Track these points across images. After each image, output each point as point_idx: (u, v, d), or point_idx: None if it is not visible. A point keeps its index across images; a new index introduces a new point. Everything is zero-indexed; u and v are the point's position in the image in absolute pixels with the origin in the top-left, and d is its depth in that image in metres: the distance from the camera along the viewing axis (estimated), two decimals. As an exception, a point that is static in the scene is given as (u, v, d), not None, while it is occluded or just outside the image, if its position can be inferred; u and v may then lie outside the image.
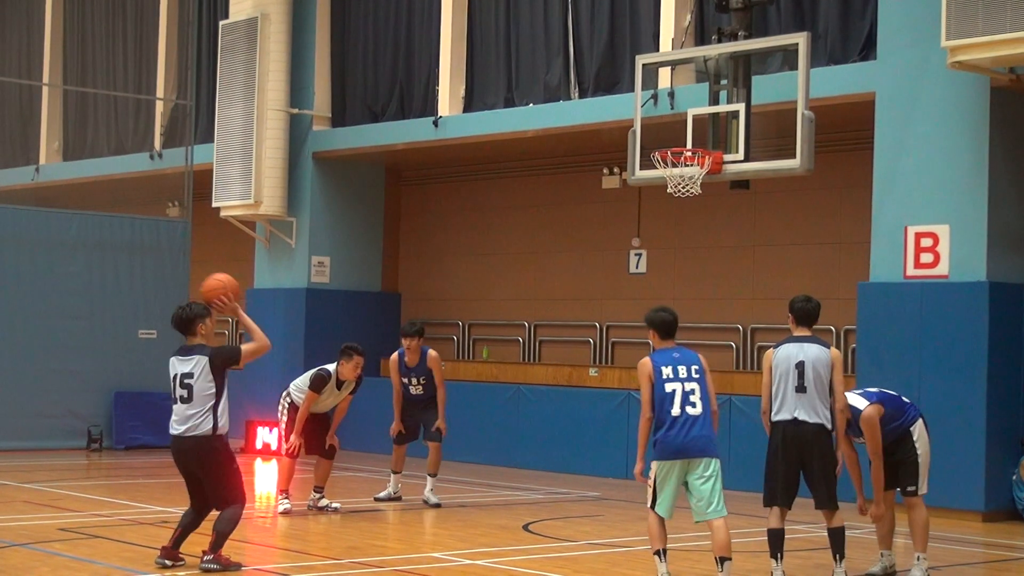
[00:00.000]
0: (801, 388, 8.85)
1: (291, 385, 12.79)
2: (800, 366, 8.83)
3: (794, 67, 12.81)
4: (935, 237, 13.24)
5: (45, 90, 25.11)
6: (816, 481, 9.04)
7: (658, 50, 15.50)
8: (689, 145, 13.12)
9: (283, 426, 12.77)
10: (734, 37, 13.27)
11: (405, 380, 13.24)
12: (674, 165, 13.03)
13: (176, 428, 8.90)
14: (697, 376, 8.54)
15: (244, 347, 9.22)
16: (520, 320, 19.19)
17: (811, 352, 8.89)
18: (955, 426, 12.99)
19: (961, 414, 13.02)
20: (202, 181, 20.18)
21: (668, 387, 8.44)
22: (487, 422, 17.71)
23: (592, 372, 17.50)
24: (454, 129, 17.91)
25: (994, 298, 12.98)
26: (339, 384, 12.55)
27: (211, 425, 8.85)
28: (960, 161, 13.15)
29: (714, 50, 13.38)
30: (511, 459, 17.18)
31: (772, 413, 9.02)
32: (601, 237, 18.28)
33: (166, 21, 22.88)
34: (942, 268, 13.20)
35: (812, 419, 8.81)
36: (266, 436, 18.29)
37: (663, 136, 13.58)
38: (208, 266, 21.70)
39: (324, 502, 12.62)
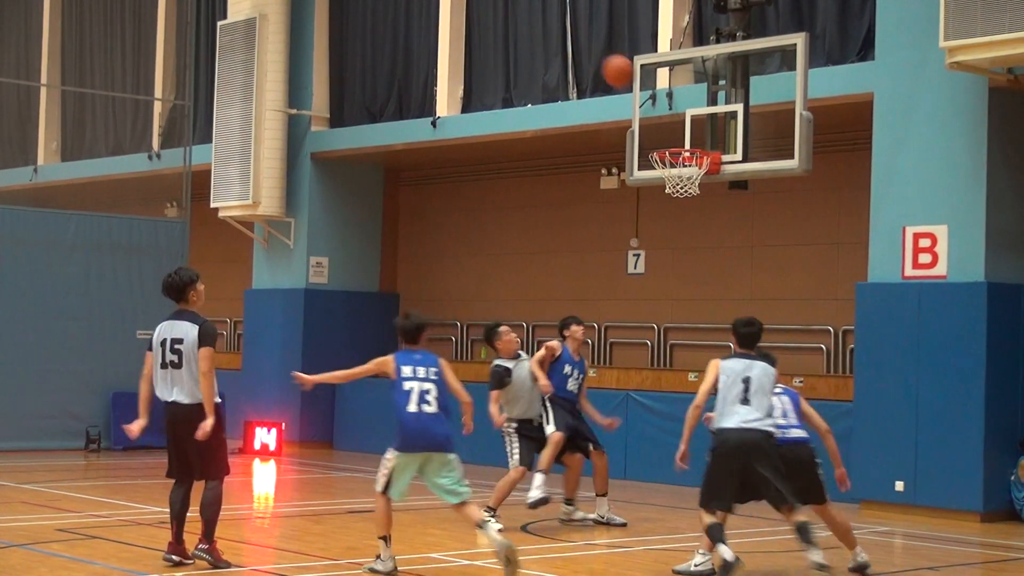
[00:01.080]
0: (745, 401, 9.11)
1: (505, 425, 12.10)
2: (747, 381, 9.14)
3: (792, 67, 12.82)
4: (933, 237, 13.27)
5: (43, 90, 25.15)
6: (766, 483, 9.13)
7: (656, 50, 15.52)
8: (687, 145, 13.14)
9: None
10: (732, 37, 13.29)
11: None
12: (672, 165, 13.04)
13: (167, 395, 8.93)
14: (435, 377, 9.18)
15: (207, 362, 9.00)
16: (519, 320, 19.15)
17: (757, 369, 9.22)
18: (953, 427, 13.07)
19: (959, 415, 13.05)
20: (200, 182, 20.17)
21: (407, 385, 9.14)
22: (485, 422, 17.66)
23: (591, 372, 17.47)
24: (452, 130, 17.93)
25: (992, 299, 13.00)
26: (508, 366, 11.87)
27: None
28: (958, 162, 13.17)
29: (712, 50, 13.40)
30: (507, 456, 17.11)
31: (716, 421, 9.24)
32: (599, 237, 18.30)
33: (164, 21, 22.91)
34: (940, 268, 13.23)
35: (757, 426, 9.06)
36: (264, 436, 18.28)
37: (661, 136, 13.59)
38: (206, 267, 21.71)
39: (580, 514, 12.21)
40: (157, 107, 22.73)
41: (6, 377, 17.90)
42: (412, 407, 9.10)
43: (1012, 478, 13.03)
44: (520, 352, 12.20)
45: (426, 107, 18.52)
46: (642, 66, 14.08)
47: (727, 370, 9.24)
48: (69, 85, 24.64)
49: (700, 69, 14.07)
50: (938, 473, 13.18)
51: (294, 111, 19.65)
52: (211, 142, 20.03)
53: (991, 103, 12.99)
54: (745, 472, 9.08)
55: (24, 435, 17.83)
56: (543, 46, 17.37)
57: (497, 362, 11.90)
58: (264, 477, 16.35)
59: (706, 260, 17.19)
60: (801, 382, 15.27)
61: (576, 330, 12.02)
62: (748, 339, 9.51)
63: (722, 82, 13.37)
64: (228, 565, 8.97)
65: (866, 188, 13.99)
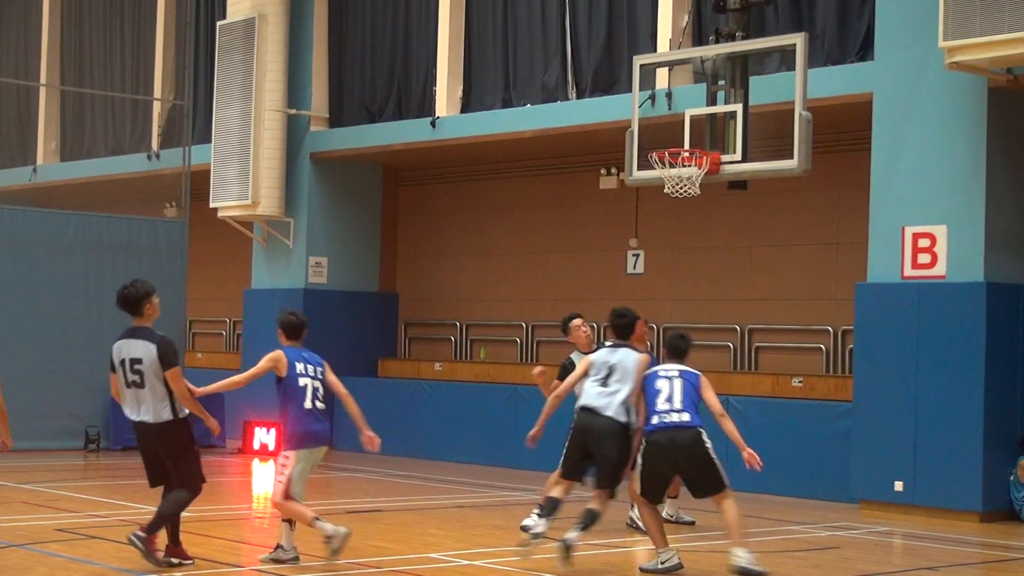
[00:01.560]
0: (604, 384, 9.48)
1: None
2: (611, 368, 9.52)
3: (792, 67, 12.80)
4: (932, 238, 13.24)
5: (42, 91, 25.11)
6: (598, 463, 9.59)
7: (656, 51, 15.50)
8: (687, 145, 13.11)
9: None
10: (732, 38, 13.27)
11: None
12: (672, 166, 13.02)
13: (134, 415, 8.83)
14: (321, 376, 9.63)
15: (179, 383, 8.89)
16: (518, 320, 19.19)
17: (620, 355, 9.62)
18: (952, 427, 13.05)
19: (958, 415, 13.03)
20: (199, 182, 20.14)
21: (301, 382, 9.44)
22: (484, 422, 17.71)
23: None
24: (451, 130, 17.92)
25: (992, 299, 12.98)
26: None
27: (171, 412, 8.80)
28: (958, 162, 13.16)
29: (711, 51, 13.39)
30: (508, 460, 17.12)
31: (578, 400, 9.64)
32: (599, 237, 18.29)
33: (163, 22, 22.89)
34: (940, 268, 13.20)
35: (605, 412, 9.41)
36: (263, 436, 18.24)
37: (661, 137, 13.57)
38: (206, 266, 21.82)
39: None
40: (156, 107, 22.71)
41: (5, 377, 17.60)
42: (308, 403, 9.41)
43: (1011, 478, 13.02)
44: (595, 344, 11.99)
45: (425, 107, 18.51)
46: (641, 66, 14.07)
47: (595, 360, 9.59)
48: (68, 85, 24.61)
49: (699, 69, 14.07)
50: (937, 473, 13.17)
51: (293, 111, 19.64)
52: (210, 142, 20.02)
53: (990, 103, 12.97)
54: (587, 449, 9.58)
55: (23, 435, 17.60)
56: (542, 46, 17.36)
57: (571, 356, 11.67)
58: (263, 477, 16.32)
59: (705, 260, 17.18)
60: (800, 382, 15.31)
61: (575, 323, 11.73)
62: (620, 330, 9.85)
63: (721, 82, 13.36)
64: (157, 561, 8.81)
65: (865, 188, 13.97)
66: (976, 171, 13.03)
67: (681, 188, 13.03)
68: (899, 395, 13.38)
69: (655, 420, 9.21)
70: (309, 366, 9.57)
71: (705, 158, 12.87)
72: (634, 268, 17.83)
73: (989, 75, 12.67)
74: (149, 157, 22.40)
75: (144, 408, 8.75)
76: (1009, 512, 12.99)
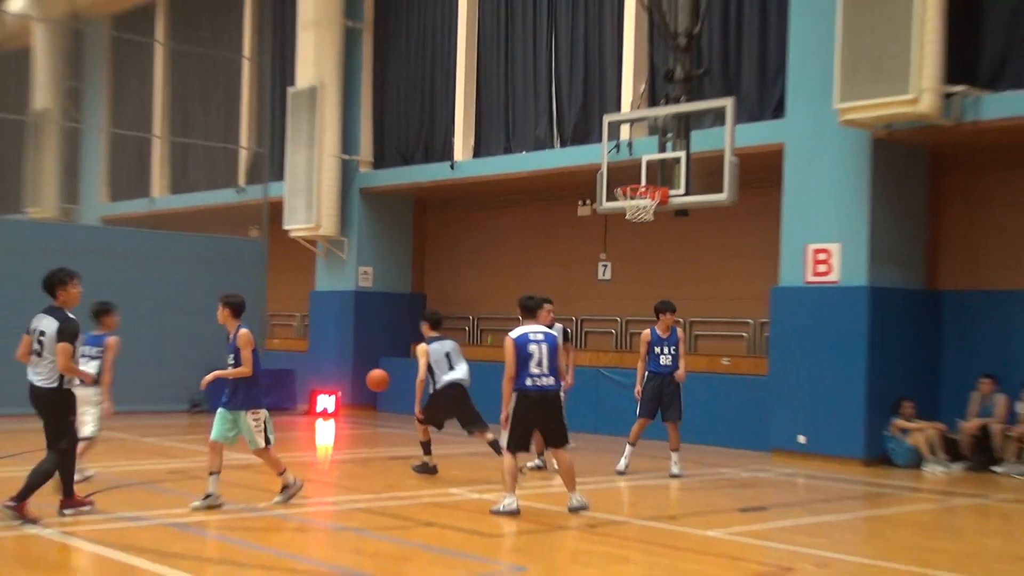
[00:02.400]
0: (540, 363, 8.91)
1: None
2: (448, 355, 10.46)
3: (723, 123, 12.71)
4: (828, 253, 13.29)
5: (156, 140, 25.23)
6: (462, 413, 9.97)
7: (620, 110, 15.53)
8: (643, 182, 13.07)
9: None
10: (677, 101, 13.22)
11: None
12: (632, 198, 12.97)
13: (32, 377, 8.11)
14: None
15: (63, 357, 7.97)
16: (515, 315, 19.12)
17: (451, 344, 10.35)
18: (842, 395, 13.12)
19: (846, 386, 13.10)
20: (275, 210, 20.21)
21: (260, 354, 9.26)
22: (492, 393, 17.68)
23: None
24: (466, 171, 17.98)
25: (872, 299, 13.07)
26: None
27: (57, 382, 8.07)
28: (848, 196, 13.18)
29: (662, 111, 13.33)
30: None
31: (519, 384, 8.94)
32: (576, 252, 18.26)
33: (247, 87, 22.99)
34: (833, 276, 13.26)
35: (453, 379, 10.10)
36: (325, 402, 18.32)
37: (623, 176, 13.57)
38: (280, 274, 21.92)
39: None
40: (243, 153, 22.82)
41: (133, 358, 17.76)
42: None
43: (886, 433, 13.11)
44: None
45: (446, 153, 18.54)
46: (609, 122, 14.03)
47: (520, 343, 8.97)
48: (176, 136, 24.72)
49: (653, 125, 13.95)
50: (830, 430, 13.22)
51: (346, 156, 19.68)
52: (283, 180, 20.07)
53: (873, 151, 13.01)
54: (453, 406, 10.87)
55: (143, 400, 17.87)
56: (534, 107, 17.39)
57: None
58: (324, 432, 16.43)
59: (657, 269, 17.12)
60: (728, 361, 15.36)
61: (548, 307, 10.92)
62: (527, 311, 9.46)
63: (669, 134, 13.25)
64: (36, 522, 7.90)
65: (777, 215, 13.98)
66: (861, 203, 13.07)
67: (639, 215, 13.01)
68: (802, 371, 13.46)
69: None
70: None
71: (657, 192, 12.85)
72: (603, 275, 17.84)
73: (872, 130, 12.73)
74: (237, 191, 22.48)
75: (36, 373, 8.08)
76: (884, 459, 13.07)
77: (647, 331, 11.76)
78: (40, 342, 8.06)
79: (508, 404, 8.92)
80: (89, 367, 9.71)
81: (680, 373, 11.63)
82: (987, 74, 12.30)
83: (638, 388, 11.70)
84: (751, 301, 15.71)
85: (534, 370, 8.83)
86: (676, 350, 11.62)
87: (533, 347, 8.88)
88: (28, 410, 8.21)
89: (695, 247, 16.65)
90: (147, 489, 10.03)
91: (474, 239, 20.20)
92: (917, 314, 13.65)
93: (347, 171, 19.81)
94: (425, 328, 11.56)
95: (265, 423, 8.97)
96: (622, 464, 11.64)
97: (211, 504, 8.76)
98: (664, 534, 8.39)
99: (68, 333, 8.04)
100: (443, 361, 11.21)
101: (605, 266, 17.81)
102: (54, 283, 8.23)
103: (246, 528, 8.29)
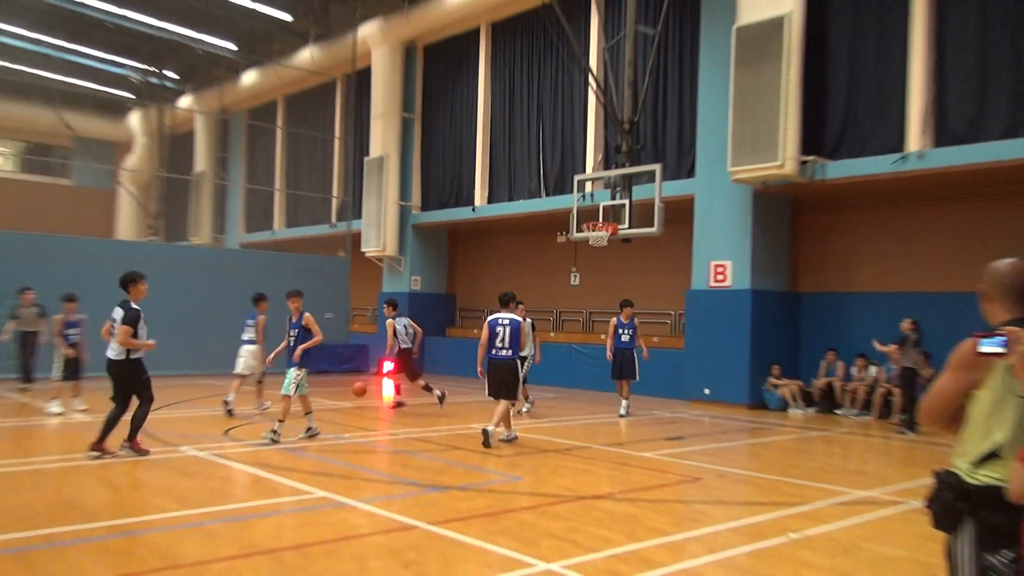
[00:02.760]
0: (503, 340, 8.49)
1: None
2: (504, 329, 8.54)
3: (654, 180, 12.77)
4: (725, 267, 13.25)
5: (276, 192, 25.18)
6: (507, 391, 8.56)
7: (585, 171, 15.55)
8: (600, 220, 13.09)
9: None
10: (623, 166, 13.23)
11: None
12: (592, 231, 12.98)
13: (108, 352, 7.35)
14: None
15: (122, 336, 7.19)
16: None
17: (513, 322, 8.56)
18: (733, 361, 13.06)
19: (736, 355, 13.05)
20: (356, 238, 20.27)
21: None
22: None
23: (552, 334, 17.49)
24: (482, 212, 17.91)
25: (754, 298, 13.01)
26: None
27: (124, 355, 7.32)
28: (737, 229, 13.15)
29: (613, 173, 13.32)
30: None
31: (488, 352, 8.57)
32: (556, 267, 18.24)
33: (338, 157, 22.91)
34: (728, 282, 13.21)
35: (507, 356, 8.49)
36: (387, 366, 18.17)
37: (587, 215, 13.59)
38: (359, 282, 21.90)
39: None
40: (334, 201, 22.79)
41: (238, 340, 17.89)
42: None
43: (764, 387, 13.05)
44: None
45: (469, 200, 18.51)
46: (578, 180, 13.99)
47: (492, 324, 8.56)
48: (289, 189, 24.68)
49: (608, 182, 13.97)
50: (725, 385, 13.20)
51: (403, 203, 19.67)
52: (361, 218, 20.07)
53: (754, 199, 12.98)
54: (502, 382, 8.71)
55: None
56: (527, 168, 17.33)
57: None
58: (387, 388, 16.31)
59: (610, 278, 17.14)
60: (657, 339, 15.31)
61: (521, 307, 10.51)
62: (503, 303, 8.76)
63: (618, 188, 13.27)
64: (147, 453, 7.45)
65: (690, 242, 13.96)
66: (746, 233, 13.04)
67: (598, 242, 12.99)
68: (707, 346, 13.38)
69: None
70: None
71: (610, 226, 12.82)
72: (574, 282, 17.75)
73: (753, 185, 12.69)
74: (330, 226, 22.40)
75: (110, 348, 7.35)
76: (761, 404, 13.00)
77: (614, 319, 11.58)
78: (113, 324, 7.35)
79: (481, 363, 8.70)
80: (247, 334, 9.67)
81: (645, 353, 11.71)
82: (829, 148, 12.26)
83: (608, 355, 11.48)
84: (673, 299, 15.69)
85: (498, 344, 8.53)
86: (633, 333, 11.59)
87: (500, 328, 8.57)
88: (215, 370, 8.05)
89: (635, 263, 16.63)
90: (271, 424, 9.88)
91: (488, 258, 20.15)
92: (783, 308, 13.59)
93: (403, 213, 19.77)
94: (388, 310, 11.60)
95: (301, 380, 8.44)
96: (623, 410, 11.56)
97: (312, 434, 8.64)
98: (616, 455, 8.32)
99: (129, 319, 7.26)
100: (402, 332, 11.47)
101: (575, 276, 17.75)
102: (127, 281, 7.43)
103: (334, 451, 8.20)
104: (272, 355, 9.16)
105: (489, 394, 8.71)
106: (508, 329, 8.58)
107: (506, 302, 8.88)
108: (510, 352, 8.56)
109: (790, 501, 6.36)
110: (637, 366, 11.54)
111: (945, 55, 11.17)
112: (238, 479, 6.80)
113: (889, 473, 7.80)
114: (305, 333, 8.63)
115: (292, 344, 8.64)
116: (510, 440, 8.67)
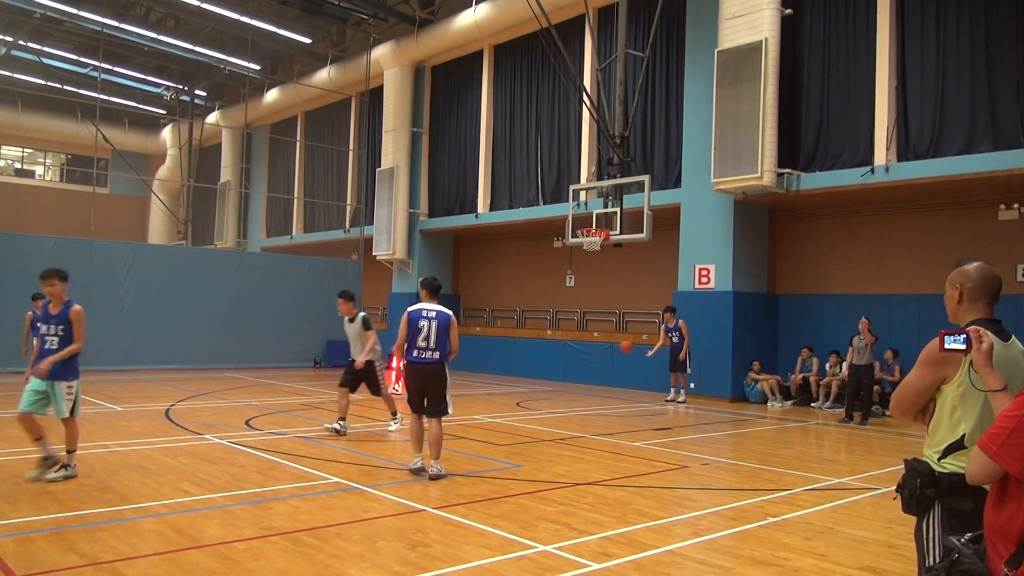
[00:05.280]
0: (426, 338, 6.09)
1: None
2: (429, 323, 6.13)
3: (643, 190, 12.77)
4: (709, 270, 13.21)
5: (295, 200, 25.03)
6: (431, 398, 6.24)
7: (580, 181, 15.48)
8: (594, 226, 13.07)
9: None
10: (615, 177, 13.22)
11: None
12: (586, 236, 12.97)
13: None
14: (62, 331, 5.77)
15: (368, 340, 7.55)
16: (514, 307, 19.20)
17: (441, 315, 6.23)
18: (717, 357, 13.00)
19: (720, 352, 13.00)
20: (368, 242, 20.20)
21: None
22: (497, 356, 17.70)
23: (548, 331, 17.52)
24: (485, 219, 17.83)
25: (735, 299, 12.96)
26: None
27: (445, 351, 6.21)
28: (720, 235, 13.11)
29: (606, 183, 13.34)
30: (511, 372, 17.14)
31: (408, 353, 6.20)
32: (553, 269, 18.19)
33: (352, 167, 22.83)
34: (711, 284, 13.17)
35: (431, 359, 6.13)
36: (395, 363, 18.18)
37: (582, 222, 13.57)
38: (371, 283, 21.86)
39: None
40: (348, 208, 22.71)
41: (275, 333, 17.92)
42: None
43: (745, 381, 13.01)
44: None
45: (472, 207, 18.44)
46: (573, 190, 13.95)
47: (412, 317, 6.23)
48: (307, 197, 24.54)
49: (601, 191, 14.01)
50: (710, 379, 13.15)
51: (412, 210, 19.58)
52: (373, 224, 20.00)
53: (735, 208, 12.96)
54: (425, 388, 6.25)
55: (283, 359, 17.86)
56: (526, 178, 17.27)
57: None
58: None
59: (604, 279, 17.10)
60: (646, 337, 15.25)
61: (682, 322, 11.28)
62: (431, 290, 6.41)
63: (610, 197, 13.29)
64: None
65: (677, 246, 13.95)
66: (728, 239, 13.00)
67: (591, 247, 12.97)
68: (693, 343, 13.08)
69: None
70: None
71: (602, 232, 12.81)
72: (569, 284, 17.77)
73: (735, 195, 12.68)
74: (344, 231, 22.33)
75: (354, 348, 7.88)
76: (743, 397, 12.97)
77: (663, 325, 12.39)
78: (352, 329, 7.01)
79: (397, 366, 7.42)
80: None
81: (682, 353, 12.41)
82: (803, 162, 12.24)
83: (652, 352, 12.45)
84: (661, 300, 15.64)
85: (420, 343, 6.10)
86: (681, 334, 12.32)
87: (423, 323, 6.14)
88: (235, 365, 8.08)
89: (626, 266, 16.58)
90: (288, 415, 9.90)
91: (490, 261, 20.07)
92: (762, 308, 13.53)
93: (412, 219, 19.69)
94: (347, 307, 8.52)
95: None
96: (672, 395, 12.32)
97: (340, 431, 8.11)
98: (607, 444, 8.27)
99: (367, 325, 7.19)
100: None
101: (570, 277, 17.71)
102: (439, 287, 6.38)
103: (346, 440, 8.17)
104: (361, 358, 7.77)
105: (412, 408, 6.26)
106: (434, 324, 6.14)
107: (435, 289, 6.35)
108: (436, 353, 6.13)
109: (769, 487, 6.32)
110: (688, 361, 12.42)
111: (907, 78, 11.20)
112: (257, 465, 6.77)
113: (860, 461, 7.76)
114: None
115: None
116: (439, 477, 6.07)
